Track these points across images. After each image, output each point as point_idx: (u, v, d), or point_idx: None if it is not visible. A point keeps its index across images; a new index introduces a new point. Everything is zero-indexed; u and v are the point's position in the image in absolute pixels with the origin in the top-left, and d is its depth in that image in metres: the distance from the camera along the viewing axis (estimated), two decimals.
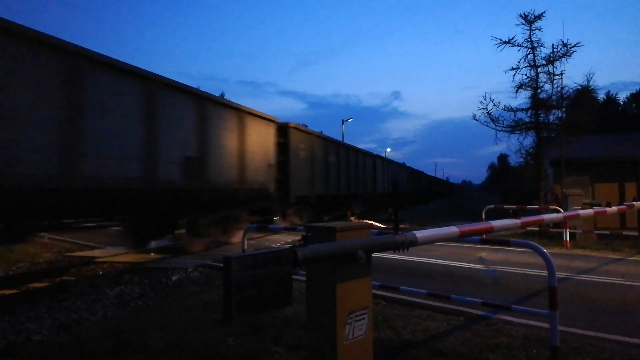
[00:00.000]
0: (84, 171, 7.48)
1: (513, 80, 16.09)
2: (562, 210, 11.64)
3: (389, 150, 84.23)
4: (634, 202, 9.54)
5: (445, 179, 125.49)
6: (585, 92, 15.88)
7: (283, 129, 14.89)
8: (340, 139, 32.59)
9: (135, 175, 8.58)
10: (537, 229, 13.66)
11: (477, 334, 4.91)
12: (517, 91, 15.93)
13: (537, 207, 14.77)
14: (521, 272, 8.37)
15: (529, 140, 16.72)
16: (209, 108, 10.97)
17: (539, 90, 15.62)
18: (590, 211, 7.25)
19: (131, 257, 10.70)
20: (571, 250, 11.39)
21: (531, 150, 16.72)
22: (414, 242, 3.18)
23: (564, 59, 15.18)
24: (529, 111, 15.94)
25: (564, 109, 16.25)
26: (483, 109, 15.97)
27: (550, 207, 13.66)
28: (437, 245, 10.91)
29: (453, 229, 3.69)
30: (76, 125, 7.38)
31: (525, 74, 15.71)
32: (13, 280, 8.40)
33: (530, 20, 15.25)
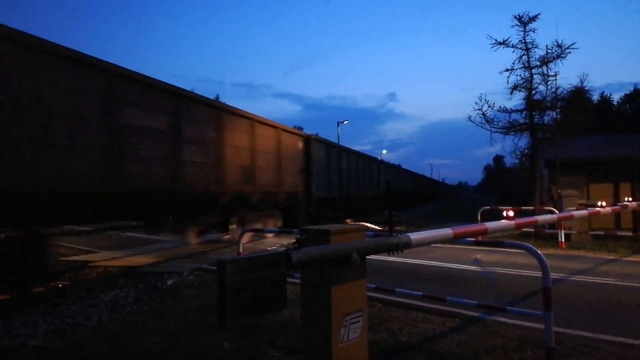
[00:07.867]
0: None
1: (507, 82, 16.10)
2: (557, 211, 11.68)
3: (384, 152, 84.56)
4: (628, 202, 9.60)
5: (441, 180, 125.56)
6: (579, 93, 15.95)
7: (306, 140, 16.64)
8: (336, 141, 33.32)
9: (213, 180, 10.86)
10: (533, 230, 13.69)
11: (473, 336, 4.93)
12: (511, 92, 15.96)
13: (532, 208, 14.83)
14: (516, 273, 8.40)
15: (523, 141, 16.75)
16: (257, 127, 13.12)
17: (533, 92, 15.66)
18: (584, 212, 7.29)
19: (126, 262, 10.66)
20: (566, 251, 11.43)
21: (526, 151, 16.77)
22: (408, 245, 3.19)
23: (558, 60, 15.26)
24: (524, 112, 15.98)
25: (558, 110, 16.31)
26: (478, 109, 16.01)
27: (545, 207, 13.71)
28: (433, 247, 10.93)
29: (447, 231, 3.69)
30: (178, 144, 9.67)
31: (520, 75, 15.76)
32: (7, 285, 8.33)
33: (524, 21, 15.30)
